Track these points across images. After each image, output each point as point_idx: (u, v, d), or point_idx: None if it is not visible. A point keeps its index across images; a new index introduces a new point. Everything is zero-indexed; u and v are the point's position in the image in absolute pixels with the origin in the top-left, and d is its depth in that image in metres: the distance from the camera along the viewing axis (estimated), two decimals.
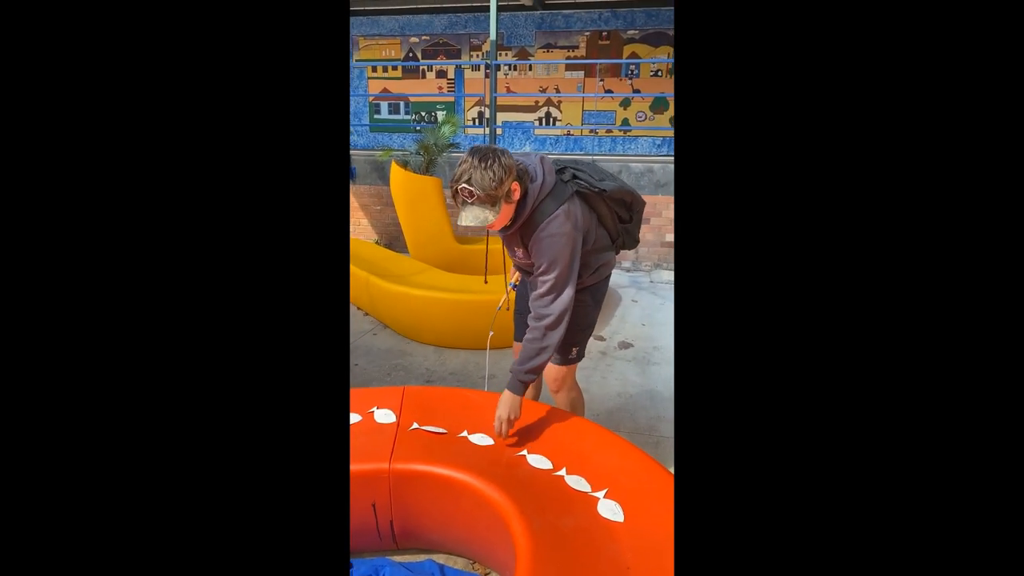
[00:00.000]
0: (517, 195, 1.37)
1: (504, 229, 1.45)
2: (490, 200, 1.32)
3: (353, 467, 1.32)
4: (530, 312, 1.48)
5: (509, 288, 1.78)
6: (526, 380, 1.44)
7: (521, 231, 1.44)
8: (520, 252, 1.51)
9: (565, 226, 1.39)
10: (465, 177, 1.31)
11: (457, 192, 1.33)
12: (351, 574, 1.34)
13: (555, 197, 1.41)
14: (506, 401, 1.44)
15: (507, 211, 1.38)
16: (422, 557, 1.43)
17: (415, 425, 1.50)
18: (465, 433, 1.47)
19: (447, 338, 2.91)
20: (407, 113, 7.90)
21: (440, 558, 1.43)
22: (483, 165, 1.30)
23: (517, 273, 1.74)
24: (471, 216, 1.33)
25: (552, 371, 1.68)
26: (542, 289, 1.42)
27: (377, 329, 3.15)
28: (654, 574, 1.02)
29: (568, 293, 1.41)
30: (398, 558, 1.42)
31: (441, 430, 1.48)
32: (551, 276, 1.40)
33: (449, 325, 2.88)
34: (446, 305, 2.84)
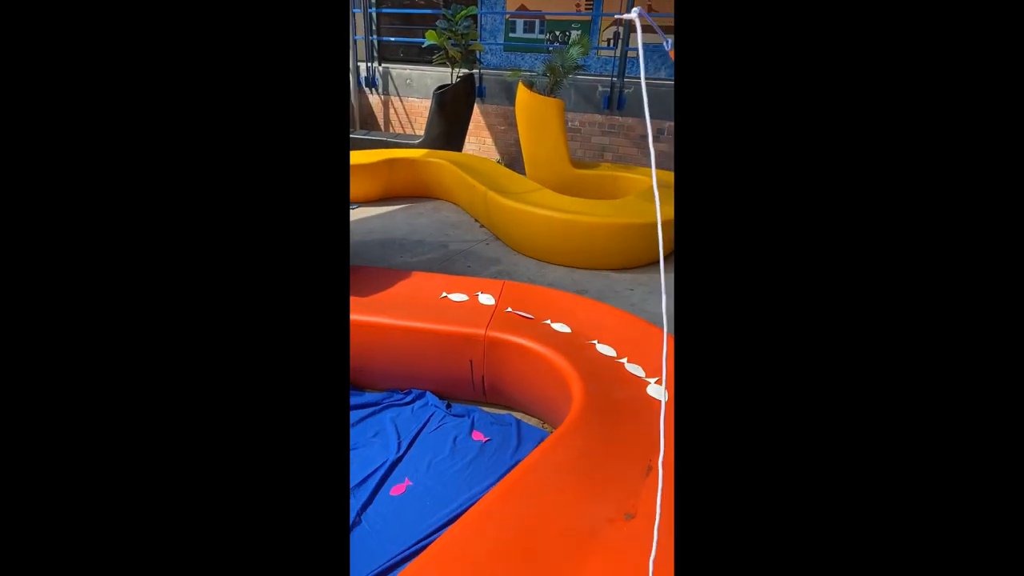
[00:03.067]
0: None
1: None
2: None
3: (458, 329, 1.70)
4: None
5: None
6: None
7: None
8: None
9: None
10: None
11: None
12: (451, 409, 1.76)
13: None
14: None
15: None
16: (504, 412, 1.81)
17: (509, 309, 1.83)
18: (548, 321, 1.78)
19: (549, 254, 3.19)
20: (541, 32, 7.83)
21: (517, 415, 1.80)
22: None
23: None
24: None
25: None
26: None
27: (490, 240, 3.51)
28: None
29: None
30: (486, 409, 1.81)
31: (529, 316, 1.80)
32: None
33: (552, 241, 3.14)
34: (551, 222, 3.09)
